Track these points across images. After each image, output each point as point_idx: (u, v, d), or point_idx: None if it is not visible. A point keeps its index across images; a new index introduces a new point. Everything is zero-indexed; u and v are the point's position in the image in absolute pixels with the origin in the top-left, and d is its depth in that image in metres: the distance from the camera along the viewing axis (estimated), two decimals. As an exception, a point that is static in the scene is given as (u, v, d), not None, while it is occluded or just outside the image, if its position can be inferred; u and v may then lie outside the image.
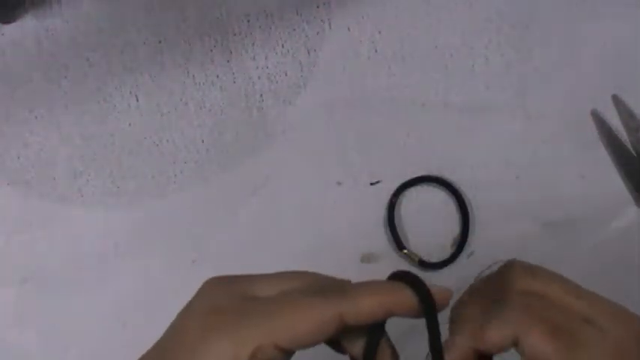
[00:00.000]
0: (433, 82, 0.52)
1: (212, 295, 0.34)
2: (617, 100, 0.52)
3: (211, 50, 0.51)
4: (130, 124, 0.50)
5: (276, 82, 0.51)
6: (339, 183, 0.51)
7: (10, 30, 0.49)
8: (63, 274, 0.49)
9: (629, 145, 0.52)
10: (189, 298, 0.34)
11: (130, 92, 0.50)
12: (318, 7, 0.51)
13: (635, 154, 0.51)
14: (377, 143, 0.51)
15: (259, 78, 0.51)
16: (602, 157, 0.52)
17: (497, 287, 0.36)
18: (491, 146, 0.52)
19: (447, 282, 0.51)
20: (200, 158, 0.50)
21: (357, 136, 0.51)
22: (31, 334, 0.48)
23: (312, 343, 0.33)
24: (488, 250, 0.51)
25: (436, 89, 0.52)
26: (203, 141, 0.50)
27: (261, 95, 0.51)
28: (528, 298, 0.35)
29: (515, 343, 0.34)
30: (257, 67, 0.51)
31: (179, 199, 0.50)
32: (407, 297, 0.34)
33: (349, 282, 0.35)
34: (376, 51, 0.52)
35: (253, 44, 0.51)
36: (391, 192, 0.51)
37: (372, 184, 0.51)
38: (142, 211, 0.50)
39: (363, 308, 0.33)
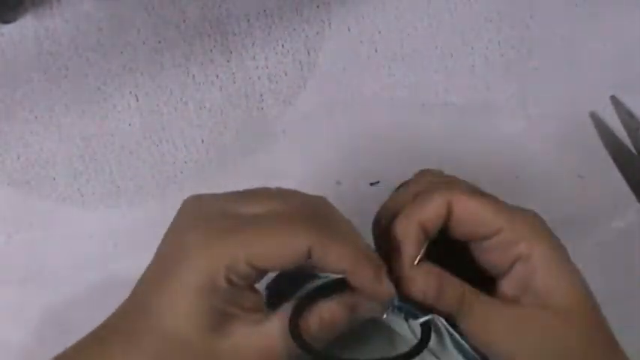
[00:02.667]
0: (433, 82, 0.52)
1: (194, 210, 0.36)
2: (615, 101, 0.52)
3: (211, 50, 0.51)
4: (130, 124, 0.50)
5: (276, 82, 0.51)
6: (339, 183, 0.51)
7: (10, 30, 0.49)
8: (63, 274, 0.49)
9: (629, 145, 0.52)
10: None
11: (130, 92, 0.50)
12: (318, 7, 0.51)
13: (637, 153, 0.51)
14: (377, 143, 0.51)
15: (259, 78, 0.51)
16: (602, 157, 0.52)
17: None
18: (491, 146, 0.52)
19: (447, 282, 0.51)
20: (200, 158, 0.50)
21: (357, 136, 0.51)
22: (31, 334, 0.48)
23: (282, 268, 0.35)
24: (488, 250, 0.51)
25: (436, 89, 0.52)
26: (203, 141, 0.50)
27: (261, 95, 0.51)
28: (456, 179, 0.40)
29: (450, 212, 0.37)
30: (257, 67, 0.51)
31: (179, 199, 0.50)
32: (375, 287, 0.35)
33: (333, 213, 0.37)
34: (376, 51, 0.52)
35: (253, 44, 0.51)
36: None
37: (372, 184, 0.51)
38: (142, 211, 0.50)
39: (331, 262, 0.34)
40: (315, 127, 0.51)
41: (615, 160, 0.52)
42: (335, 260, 0.34)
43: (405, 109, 0.52)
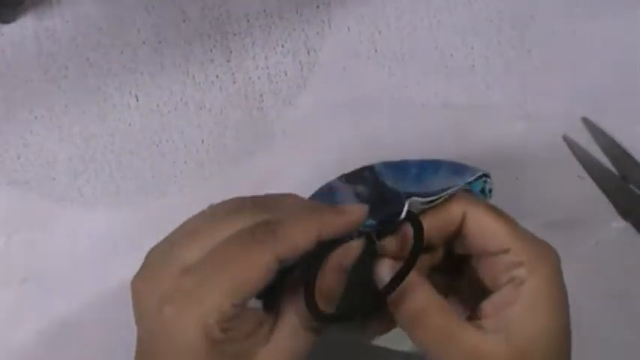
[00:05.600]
0: (433, 82, 0.52)
1: (149, 283, 0.35)
2: (587, 123, 0.52)
3: (211, 50, 0.51)
4: (130, 124, 0.50)
5: (276, 82, 0.51)
6: (339, 183, 0.51)
7: (10, 30, 0.49)
8: (63, 274, 0.49)
9: (607, 164, 0.52)
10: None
11: (130, 92, 0.50)
12: (318, 7, 0.51)
13: (617, 172, 0.51)
14: (377, 143, 0.51)
15: (259, 78, 0.51)
16: (601, 158, 0.52)
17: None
18: (491, 146, 0.52)
19: (447, 282, 0.51)
20: (200, 158, 0.50)
21: (357, 136, 0.51)
22: (31, 334, 0.48)
23: (262, 287, 0.34)
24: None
25: (436, 89, 0.52)
26: (203, 141, 0.50)
27: (261, 95, 0.51)
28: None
29: (462, 220, 0.38)
30: (257, 67, 0.51)
31: (179, 199, 0.50)
32: (338, 220, 0.36)
33: (273, 206, 0.36)
34: (376, 51, 0.52)
35: (253, 44, 0.51)
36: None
37: (372, 184, 0.51)
38: (142, 211, 0.50)
39: (298, 247, 0.34)
40: (315, 127, 0.51)
41: (594, 178, 0.52)
42: (303, 242, 0.35)
43: (405, 109, 0.52)
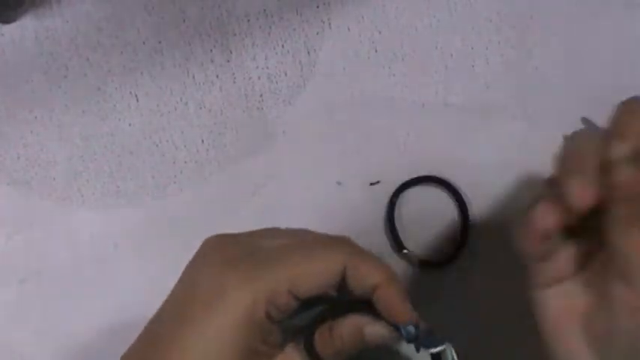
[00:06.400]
0: (433, 82, 0.52)
1: (220, 249, 0.35)
2: (587, 123, 0.52)
3: (211, 50, 0.51)
4: (130, 124, 0.50)
5: (276, 82, 0.51)
6: (339, 183, 0.51)
7: (10, 30, 0.49)
8: (63, 274, 0.49)
9: None
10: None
11: (130, 92, 0.50)
12: (318, 7, 0.51)
13: None
14: (377, 143, 0.51)
15: (259, 78, 0.51)
16: (602, 157, 0.52)
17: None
18: (491, 146, 0.52)
19: (447, 282, 0.51)
20: (200, 158, 0.50)
21: (357, 136, 0.51)
22: (31, 334, 0.48)
23: (319, 292, 0.34)
24: (488, 250, 0.51)
25: (436, 89, 0.52)
26: (203, 141, 0.50)
27: (261, 95, 0.51)
28: None
29: None
30: (257, 67, 0.51)
31: (179, 199, 0.50)
32: (397, 303, 0.35)
33: (353, 241, 0.37)
34: (376, 51, 0.52)
35: (253, 44, 0.51)
36: (391, 192, 0.51)
37: (372, 184, 0.51)
38: (142, 211, 0.50)
39: (364, 277, 0.34)
40: (315, 127, 0.51)
41: None
42: (369, 274, 0.34)
43: (405, 109, 0.52)
